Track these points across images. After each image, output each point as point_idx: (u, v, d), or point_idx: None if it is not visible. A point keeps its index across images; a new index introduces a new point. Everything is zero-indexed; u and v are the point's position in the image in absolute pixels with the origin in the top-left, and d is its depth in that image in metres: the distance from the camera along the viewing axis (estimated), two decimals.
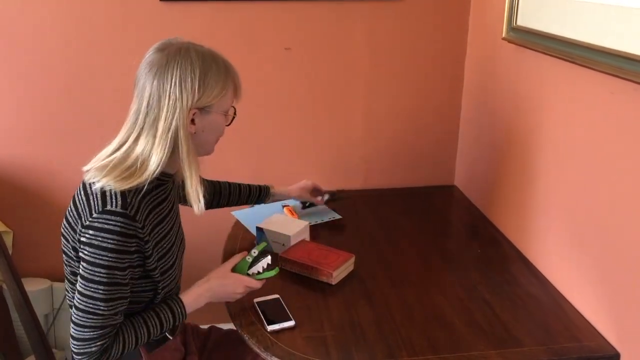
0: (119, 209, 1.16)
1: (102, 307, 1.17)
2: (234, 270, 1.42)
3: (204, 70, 1.22)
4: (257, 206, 2.04)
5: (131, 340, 1.25)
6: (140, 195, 1.21)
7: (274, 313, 1.42)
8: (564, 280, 1.56)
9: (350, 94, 2.20)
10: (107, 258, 1.16)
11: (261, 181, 2.22)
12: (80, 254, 1.18)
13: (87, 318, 1.18)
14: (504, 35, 1.80)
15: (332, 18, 2.10)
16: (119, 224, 1.16)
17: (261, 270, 1.43)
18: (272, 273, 1.43)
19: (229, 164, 2.20)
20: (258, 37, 2.08)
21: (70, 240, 1.24)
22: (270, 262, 1.43)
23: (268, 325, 1.38)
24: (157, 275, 1.28)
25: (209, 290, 1.36)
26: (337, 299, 1.52)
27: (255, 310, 1.44)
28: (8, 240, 2.11)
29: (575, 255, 1.50)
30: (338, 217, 2.01)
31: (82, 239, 1.17)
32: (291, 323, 1.39)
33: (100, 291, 1.17)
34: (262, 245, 1.46)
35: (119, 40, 2.01)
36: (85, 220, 1.18)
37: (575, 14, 1.42)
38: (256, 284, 1.41)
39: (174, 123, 1.20)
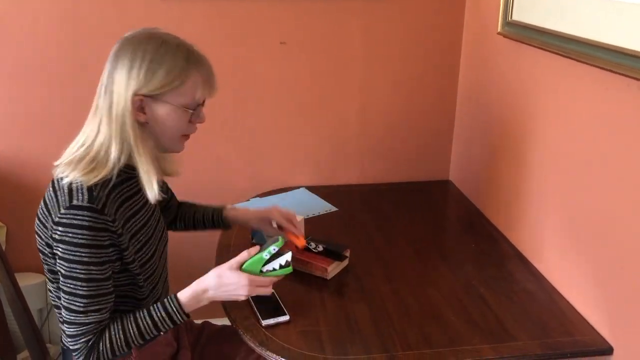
0: (85, 203, 1.15)
1: (82, 303, 1.17)
2: (244, 268, 1.31)
3: (156, 57, 1.18)
4: (253, 200, 2.03)
5: (119, 337, 1.21)
6: (108, 189, 1.20)
7: (269, 308, 1.41)
8: (558, 275, 1.56)
9: (345, 89, 2.19)
10: (80, 254, 1.15)
11: (256, 176, 2.23)
12: (55, 250, 1.18)
13: (69, 315, 1.18)
14: (499, 30, 1.80)
15: (327, 13, 2.09)
16: (86, 218, 1.14)
17: (277, 268, 1.33)
18: (288, 271, 1.34)
19: (224, 159, 2.20)
20: (253, 32, 2.07)
21: (43, 237, 1.23)
22: (290, 260, 1.34)
23: (263, 320, 1.37)
24: (135, 268, 1.27)
25: (205, 290, 1.28)
26: (332, 293, 1.51)
27: (250, 305, 1.43)
28: (1, 235, 2.10)
29: (571, 251, 1.50)
30: (334, 209, 2.01)
31: (55, 235, 1.16)
32: (286, 318, 1.39)
33: (79, 288, 1.16)
34: (281, 242, 1.34)
35: (115, 36, 1.99)
36: (54, 217, 1.17)
37: (571, 9, 1.42)
38: (265, 289, 1.31)
39: (121, 109, 1.19)
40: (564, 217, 1.52)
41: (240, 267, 1.30)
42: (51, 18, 1.96)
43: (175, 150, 1.31)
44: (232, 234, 1.78)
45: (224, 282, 1.28)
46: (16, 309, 1.47)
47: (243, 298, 1.30)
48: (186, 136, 1.30)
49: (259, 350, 1.31)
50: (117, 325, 1.23)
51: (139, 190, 1.31)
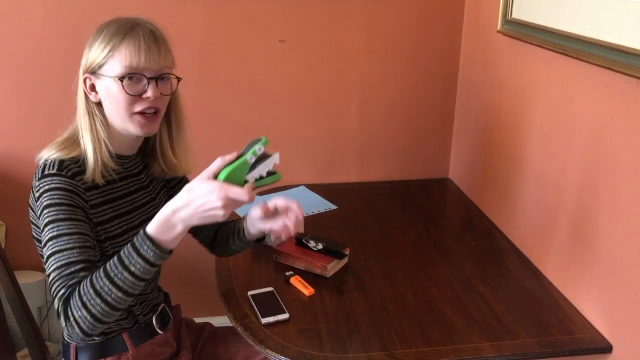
0: (54, 171, 1.18)
1: (54, 260, 1.11)
2: (224, 179, 1.06)
3: (97, 33, 1.22)
4: None
5: (87, 285, 1.06)
6: (81, 165, 1.21)
7: (268, 306, 1.42)
8: (557, 273, 1.56)
9: (345, 87, 2.19)
10: (51, 213, 1.14)
11: None
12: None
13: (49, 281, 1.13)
14: (498, 28, 1.79)
15: (327, 11, 2.09)
16: (55, 180, 1.16)
17: (264, 175, 1.10)
18: (276, 178, 1.12)
19: None
20: (252, 29, 2.07)
21: (33, 222, 1.24)
22: (278, 162, 1.11)
23: (262, 318, 1.37)
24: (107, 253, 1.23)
25: (175, 210, 1.07)
26: (332, 291, 1.51)
27: (250, 303, 1.43)
28: (1, 233, 2.10)
29: (570, 249, 1.50)
30: (334, 207, 2.01)
31: (38, 211, 1.17)
32: (285, 316, 1.39)
33: (50, 246, 1.12)
34: (265, 140, 1.11)
35: None
36: (35, 193, 1.19)
37: (570, 7, 1.42)
38: (243, 194, 1.05)
39: (78, 91, 1.24)
40: (563, 214, 1.52)
41: (215, 178, 1.08)
42: (50, 17, 1.96)
43: (133, 131, 1.23)
44: None
45: (193, 196, 1.06)
46: (15, 307, 1.47)
47: (220, 212, 1.06)
48: (140, 115, 1.21)
49: (258, 348, 1.31)
50: (87, 278, 1.09)
51: (128, 177, 1.32)
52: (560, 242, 1.54)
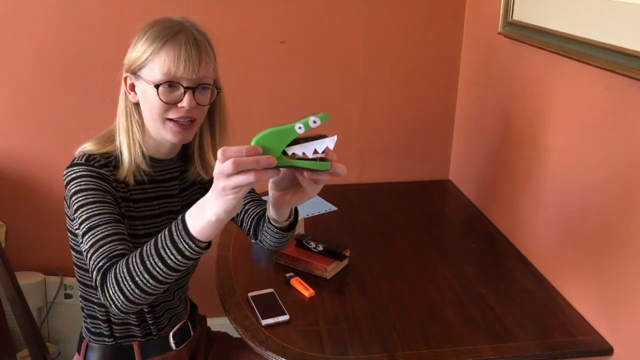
0: (82, 161, 1.18)
1: (89, 241, 1.10)
2: (259, 141, 0.88)
3: (142, 32, 1.19)
4: None
5: (121, 266, 1.04)
6: (112, 162, 1.21)
7: (269, 307, 1.41)
8: (558, 275, 1.56)
9: (346, 89, 2.19)
10: (82, 198, 1.14)
11: None
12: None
13: (86, 262, 1.12)
14: (499, 29, 1.79)
15: (328, 12, 2.09)
16: (82, 168, 1.17)
17: (309, 155, 0.91)
18: (324, 166, 0.93)
19: None
20: (253, 31, 2.07)
21: (66, 212, 1.23)
22: (332, 147, 0.94)
23: (262, 319, 1.37)
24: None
25: (205, 197, 1.00)
26: (332, 293, 1.51)
27: (250, 304, 1.43)
28: (1, 234, 2.10)
29: (570, 251, 1.50)
30: (334, 208, 2.01)
31: (67, 199, 1.17)
32: (285, 317, 1.38)
33: (83, 227, 1.12)
34: (324, 115, 0.92)
35: (114, 36, 1.99)
36: (64, 183, 1.19)
37: (572, 9, 1.42)
38: (236, 150, 0.90)
39: (121, 89, 1.23)
40: (564, 216, 1.52)
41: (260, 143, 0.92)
42: (51, 19, 1.96)
43: (164, 136, 1.21)
44: (231, 235, 1.77)
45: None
46: (16, 308, 1.47)
47: (223, 179, 0.92)
48: (173, 122, 1.18)
49: (258, 349, 1.30)
50: (124, 259, 1.06)
51: (157, 181, 1.29)
52: (561, 244, 1.54)
